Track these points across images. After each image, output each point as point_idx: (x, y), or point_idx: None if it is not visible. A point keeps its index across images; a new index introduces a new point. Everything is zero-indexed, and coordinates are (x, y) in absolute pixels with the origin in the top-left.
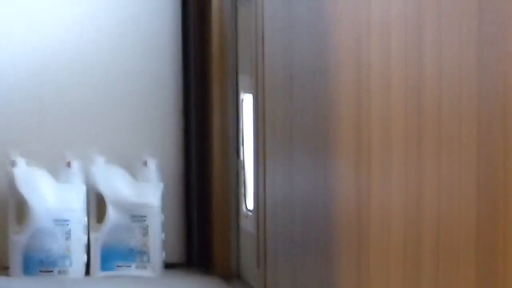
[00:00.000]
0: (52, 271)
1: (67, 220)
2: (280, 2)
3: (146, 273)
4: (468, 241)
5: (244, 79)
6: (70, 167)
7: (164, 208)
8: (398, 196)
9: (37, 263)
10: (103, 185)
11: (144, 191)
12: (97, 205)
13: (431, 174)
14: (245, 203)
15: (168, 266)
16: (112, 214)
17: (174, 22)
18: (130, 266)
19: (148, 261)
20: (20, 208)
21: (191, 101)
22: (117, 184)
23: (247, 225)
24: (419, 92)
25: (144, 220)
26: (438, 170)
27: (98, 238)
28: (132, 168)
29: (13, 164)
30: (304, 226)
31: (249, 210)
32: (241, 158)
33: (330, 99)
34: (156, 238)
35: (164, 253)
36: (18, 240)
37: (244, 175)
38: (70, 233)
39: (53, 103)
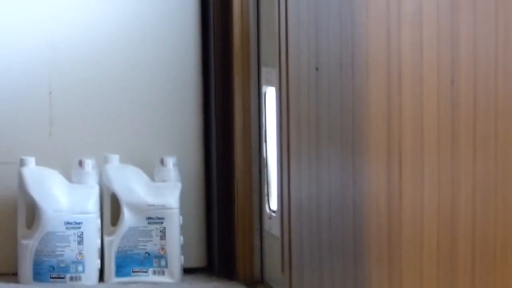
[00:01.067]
0: (63, 277)
1: (79, 223)
2: None
3: (164, 279)
4: (506, 245)
5: (267, 72)
6: (83, 166)
7: (182, 209)
8: (431, 198)
9: (48, 269)
10: (117, 186)
11: (162, 191)
12: (111, 207)
13: (466, 174)
14: (269, 204)
15: (188, 271)
16: (127, 216)
17: (193, 12)
18: (146, 272)
19: (166, 266)
20: (29, 211)
21: (211, 95)
22: (132, 184)
23: (271, 227)
24: (453, 87)
25: (162, 223)
26: (473, 170)
27: (113, 242)
28: (149, 167)
29: (21, 163)
30: (331, 228)
31: (273, 211)
32: (264, 156)
33: (358, 93)
34: (175, 241)
35: (183, 258)
36: (28, 244)
37: (267, 174)
38: (82, 237)
39: (64, 99)
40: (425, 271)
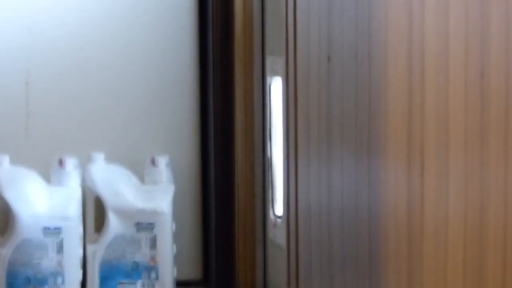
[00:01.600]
0: None
1: (59, 229)
2: None
3: None
4: None
5: (272, 61)
6: (63, 166)
7: (176, 215)
8: (457, 205)
9: (23, 281)
10: (102, 188)
11: (152, 194)
12: (95, 212)
13: (497, 179)
14: (273, 209)
15: (181, 284)
16: (113, 222)
17: None
18: (135, 284)
19: (157, 278)
20: (2, 215)
21: (209, 88)
22: (119, 187)
23: (276, 236)
24: (482, 80)
25: (152, 229)
26: (505, 174)
27: (97, 251)
28: (138, 168)
29: None
30: (343, 237)
31: (278, 218)
32: (269, 156)
33: (375, 86)
34: (167, 251)
35: (175, 269)
36: (1, 253)
37: (272, 176)
38: (62, 245)
39: (43, 89)
40: (450, 287)
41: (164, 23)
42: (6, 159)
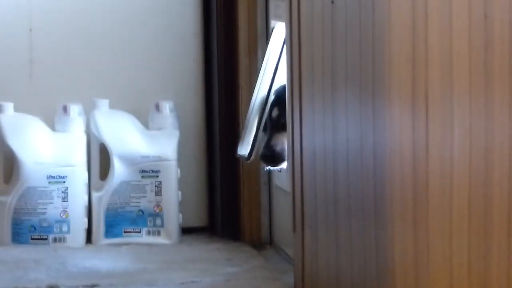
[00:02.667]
0: (46, 238)
1: (64, 177)
2: None
3: (160, 240)
4: None
5: (275, 5)
6: (68, 112)
7: (181, 161)
8: (462, 148)
9: (28, 229)
10: (107, 134)
11: (157, 140)
12: (100, 159)
13: (501, 120)
14: None
15: (187, 231)
16: (118, 169)
17: None
18: (140, 232)
19: (162, 225)
20: (7, 163)
21: (212, 32)
22: (124, 133)
23: (281, 182)
24: (486, 22)
25: (157, 176)
26: (509, 116)
27: (102, 198)
28: (142, 114)
29: None
30: (349, 182)
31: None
32: None
33: (378, 28)
34: (172, 197)
35: (181, 216)
36: (5, 201)
37: None
38: (67, 193)
39: (46, 36)
40: (455, 229)
41: None
42: (10, 107)
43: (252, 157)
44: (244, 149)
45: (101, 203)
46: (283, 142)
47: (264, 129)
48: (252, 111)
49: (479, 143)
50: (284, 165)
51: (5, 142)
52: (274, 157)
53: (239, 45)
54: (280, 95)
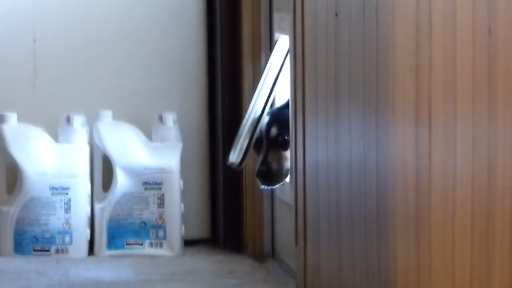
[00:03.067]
0: (48, 249)
1: (66, 188)
2: None
3: (162, 252)
4: None
5: (279, 18)
6: (71, 123)
7: (184, 173)
8: (465, 161)
9: (31, 240)
10: (110, 146)
11: (160, 152)
12: (103, 170)
13: (505, 134)
14: None
15: (189, 243)
16: (121, 180)
17: None
18: (142, 244)
19: (165, 237)
20: (10, 174)
21: (216, 43)
22: (127, 144)
23: (283, 195)
24: (490, 35)
25: (160, 188)
26: None
27: (104, 209)
28: (146, 125)
29: (1, 119)
30: (352, 195)
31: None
32: None
33: (382, 42)
34: (174, 209)
35: (183, 228)
36: (8, 212)
37: None
38: (70, 204)
39: (50, 46)
40: (458, 243)
41: None
42: (13, 117)
43: (243, 165)
44: (235, 157)
45: (103, 214)
46: (279, 160)
47: (259, 147)
48: (247, 120)
49: (482, 157)
50: (278, 184)
51: (8, 152)
52: (270, 174)
53: (243, 57)
54: (277, 115)
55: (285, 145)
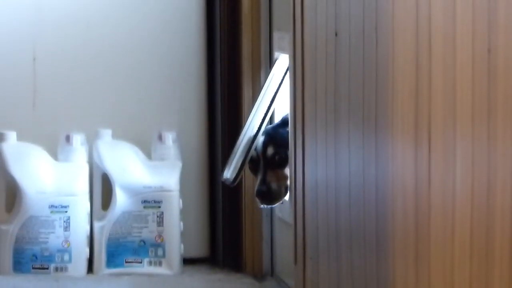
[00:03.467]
0: (47, 268)
1: (66, 207)
2: None
3: (161, 270)
4: None
5: (279, 37)
6: (70, 142)
7: (183, 192)
8: (464, 182)
9: (30, 258)
10: (109, 164)
11: (159, 171)
12: (102, 188)
13: (504, 155)
14: None
15: (188, 262)
16: (120, 199)
17: None
18: (141, 262)
19: (164, 256)
20: (9, 192)
21: (216, 63)
22: (126, 163)
23: (283, 213)
24: (489, 56)
25: (159, 207)
26: None
27: (104, 228)
28: (145, 144)
29: (1, 138)
30: (351, 214)
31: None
32: None
33: (382, 61)
34: (174, 228)
35: (182, 247)
36: (7, 230)
37: None
38: (69, 222)
39: (50, 66)
40: (457, 262)
41: (171, 0)
42: (13, 136)
43: (237, 181)
44: (229, 173)
45: (103, 233)
46: (278, 180)
47: (256, 167)
48: (243, 137)
49: (482, 176)
50: (278, 203)
51: (7, 171)
52: (270, 194)
53: (242, 76)
54: (272, 134)
55: (282, 164)
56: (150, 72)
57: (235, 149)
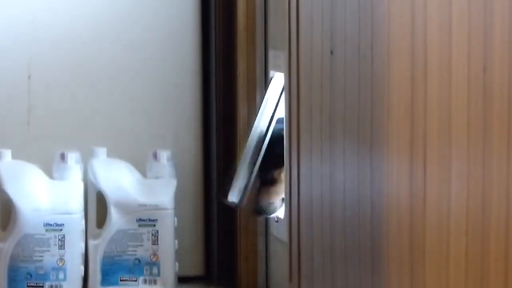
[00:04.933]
0: (42, 286)
1: (61, 225)
2: None
3: None
4: None
5: (275, 56)
6: (65, 160)
7: (178, 210)
8: (459, 199)
9: (25, 277)
10: (104, 183)
11: (154, 189)
12: (97, 207)
13: (499, 173)
14: None
15: (183, 280)
16: (115, 217)
17: None
18: (136, 281)
19: (159, 274)
20: (4, 210)
21: (211, 81)
22: (121, 181)
23: (278, 231)
24: (485, 74)
25: (154, 225)
26: (507, 168)
27: (98, 246)
28: (140, 162)
29: None
30: (345, 231)
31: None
32: None
33: (377, 79)
34: (168, 246)
35: (177, 265)
36: (2, 248)
37: None
38: (64, 241)
39: (45, 84)
40: (452, 280)
41: (167, 17)
42: (8, 154)
43: (242, 203)
44: (234, 196)
45: (97, 251)
46: (270, 197)
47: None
48: (246, 157)
49: (477, 195)
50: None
51: (2, 189)
52: (264, 211)
53: (238, 95)
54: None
55: (273, 182)
56: (145, 91)
57: (238, 170)
